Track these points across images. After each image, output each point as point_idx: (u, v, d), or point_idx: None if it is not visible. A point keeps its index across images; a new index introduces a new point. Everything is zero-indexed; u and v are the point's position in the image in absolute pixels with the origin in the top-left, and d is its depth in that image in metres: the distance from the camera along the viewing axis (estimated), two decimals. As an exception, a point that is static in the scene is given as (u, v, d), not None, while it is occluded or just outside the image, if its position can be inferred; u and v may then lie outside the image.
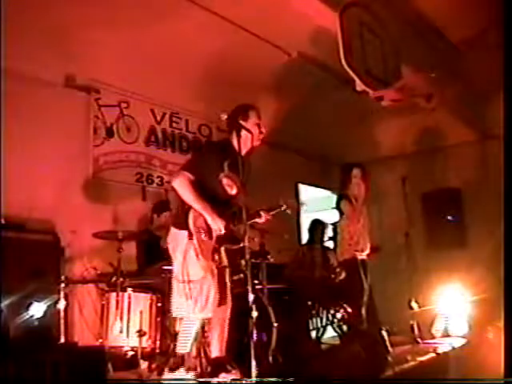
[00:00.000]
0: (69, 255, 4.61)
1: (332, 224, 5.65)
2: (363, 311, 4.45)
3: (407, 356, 4.31)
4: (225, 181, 3.32)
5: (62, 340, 3.92)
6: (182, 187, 3.22)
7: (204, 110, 6.13)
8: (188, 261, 3.17)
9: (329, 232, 6.18)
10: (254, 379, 2.98)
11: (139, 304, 4.15)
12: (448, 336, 5.56)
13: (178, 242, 3.26)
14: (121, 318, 4.06)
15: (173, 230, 3.35)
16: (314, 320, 5.39)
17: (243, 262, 3.78)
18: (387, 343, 4.43)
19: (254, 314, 3.16)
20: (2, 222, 4.13)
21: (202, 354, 3.51)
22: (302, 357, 4.42)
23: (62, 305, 3.95)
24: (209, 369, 3.34)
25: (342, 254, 4.80)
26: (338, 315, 5.32)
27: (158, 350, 4.10)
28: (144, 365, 3.94)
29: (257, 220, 3.53)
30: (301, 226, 7.67)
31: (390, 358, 4.15)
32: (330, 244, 6.13)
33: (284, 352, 4.21)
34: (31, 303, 3.91)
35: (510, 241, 3.08)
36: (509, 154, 3.18)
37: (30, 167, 4.57)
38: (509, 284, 3.00)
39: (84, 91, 5.25)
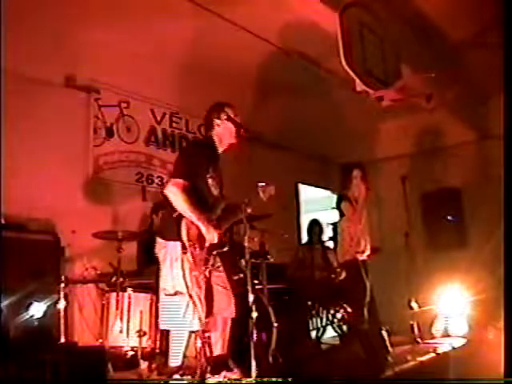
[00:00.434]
0: (69, 255, 4.61)
1: (332, 224, 5.65)
2: (365, 311, 4.45)
3: (407, 356, 4.31)
4: (210, 181, 3.28)
5: (62, 340, 3.91)
6: (176, 195, 3.08)
7: (203, 109, 6.13)
8: (180, 274, 3.06)
9: (328, 232, 6.19)
10: (254, 379, 2.99)
11: (139, 304, 4.15)
12: (448, 336, 5.56)
13: (168, 253, 3.15)
14: (121, 318, 4.06)
15: (162, 240, 3.21)
16: (314, 320, 5.39)
17: (243, 262, 3.78)
18: (387, 343, 4.43)
19: (254, 314, 3.16)
20: (2, 221, 4.14)
21: (202, 354, 3.51)
22: (301, 357, 4.41)
23: (62, 305, 3.94)
24: (209, 368, 3.32)
25: (343, 255, 4.79)
26: (338, 315, 5.32)
27: (157, 350, 4.09)
28: (144, 365, 3.93)
29: (241, 216, 3.34)
30: (301, 226, 7.67)
31: (389, 358, 4.15)
32: (330, 244, 6.13)
33: (284, 352, 4.20)
34: (31, 303, 3.91)
35: (510, 241, 3.08)
36: (509, 154, 3.18)
37: (30, 167, 4.57)
38: (509, 284, 2.99)
39: (84, 91, 5.26)
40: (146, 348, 4.03)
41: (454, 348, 4.86)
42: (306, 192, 8.18)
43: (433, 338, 5.54)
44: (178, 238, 3.07)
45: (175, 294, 3.08)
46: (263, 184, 3.37)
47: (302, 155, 7.73)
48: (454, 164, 7.47)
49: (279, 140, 7.16)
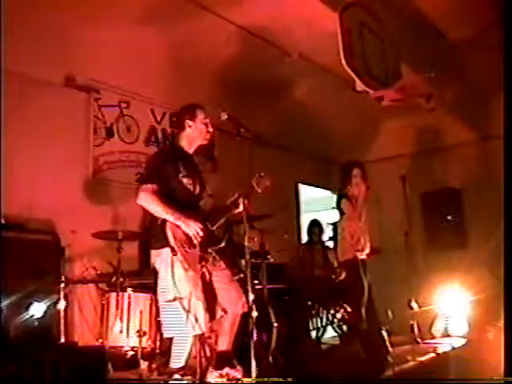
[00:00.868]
0: (69, 255, 4.60)
1: (332, 224, 5.65)
2: (363, 311, 4.45)
3: (407, 356, 4.32)
4: (185, 180, 3.31)
5: (62, 340, 3.91)
6: (147, 201, 3.14)
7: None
8: (176, 278, 3.07)
9: (328, 232, 6.19)
10: (254, 379, 2.99)
11: (139, 304, 4.15)
12: (448, 336, 5.57)
13: (162, 260, 3.16)
14: (121, 318, 4.06)
15: (154, 250, 3.22)
16: (314, 320, 5.39)
17: (243, 262, 3.78)
18: (387, 343, 4.43)
19: (254, 314, 3.16)
20: (2, 221, 4.13)
21: (202, 354, 3.51)
22: (302, 357, 4.42)
23: (62, 305, 3.94)
24: (212, 363, 3.31)
25: (343, 253, 4.79)
26: (338, 315, 5.32)
27: (157, 350, 4.09)
28: (144, 365, 3.94)
29: (235, 211, 3.39)
30: (301, 226, 7.67)
31: (389, 358, 4.15)
32: (330, 244, 6.13)
33: (284, 352, 4.21)
34: (31, 303, 3.91)
35: (510, 241, 3.09)
36: (509, 154, 3.18)
37: (30, 167, 4.57)
38: (509, 284, 3.00)
39: (84, 91, 5.25)
40: (145, 348, 4.03)
41: (453, 348, 4.87)
42: (306, 192, 8.18)
43: (433, 337, 5.55)
44: (167, 243, 3.10)
45: (174, 299, 3.07)
46: (258, 175, 3.41)
47: (302, 155, 7.73)
48: (454, 164, 7.47)
49: (279, 140, 7.16)
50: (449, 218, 7.56)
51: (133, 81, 5.47)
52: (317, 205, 8.51)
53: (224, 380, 3.19)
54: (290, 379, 3.00)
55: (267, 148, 6.92)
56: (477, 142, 7.33)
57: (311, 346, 5.22)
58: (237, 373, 3.20)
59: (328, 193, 8.07)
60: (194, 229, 3.13)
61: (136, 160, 5.67)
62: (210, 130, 3.50)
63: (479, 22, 5.49)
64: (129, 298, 4.14)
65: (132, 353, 4.01)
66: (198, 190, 3.39)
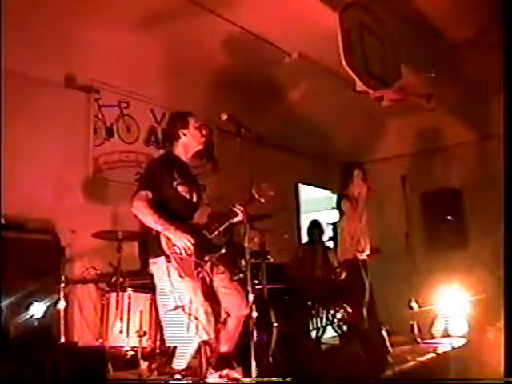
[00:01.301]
0: (69, 255, 4.61)
1: (332, 224, 5.65)
2: (364, 311, 4.45)
3: (407, 356, 4.31)
4: (180, 188, 3.30)
5: (62, 340, 3.91)
6: (140, 210, 3.12)
7: (204, 110, 6.13)
8: (174, 286, 3.08)
9: (328, 233, 6.19)
10: (254, 379, 2.99)
11: (139, 304, 4.15)
12: (448, 336, 5.57)
13: (158, 269, 3.16)
14: (121, 318, 4.06)
15: (152, 260, 3.21)
16: (314, 320, 5.39)
17: (243, 262, 3.77)
18: (387, 343, 4.43)
19: (254, 314, 3.16)
20: (2, 221, 4.13)
21: (203, 354, 3.51)
22: (302, 357, 4.42)
23: (62, 305, 3.94)
24: (212, 365, 3.31)
25: (343, 253, 4.79)
26: (338, 315, 5.32)
27: (157, 350, 4.09)
28: (144, 365, 3.94)
29: (234, 220, 3.34)
30: (301, 226, 7.67)
31: (389, 358, 4.15)
32: (330, 244, 6.13)
33: (284, 352, 4.21)
34: (31, 303, 3.91)
35: (510, 241, 3.08)
36: (509, 154, 3.18)
37: (30, 167, 4.57)
38: (509, 284, 3.00)
39: (84, 91, 5.25)
40: (145, 348, 4.02)
41: (453, 348, 4.87)
42: (306, 192, 8.18)
43: (433, 337, 5.55)
44: (162, 251, 3.09)
45: (176, 308, 3.07)
46: (262, 185, 3.30)
47: (302, 155, 7.73)
48: (454, 164, 7.47)
49: (279, 140, 7.16)
50: (449, 217, 7.55)
51: (133, 81, 5.47)
52: (317, 205, 8.51)
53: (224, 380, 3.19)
54: (289, 379, 3.00)
55: (267, 148, 6.93)
56: (477, 142, 7.32)
57: (311, 346, 5.22)
58: (236, 374, 3.20)
59: (328, 193, 8.07)
60: (182, 242, 3.10)
61: (136, 160, 5.67)
62: (204, 133, 3.49)
63: (479, 21, 5.49)
64: (129, 297, 4.14)
65: (132, 353, 4.01)
66: (194, 199, 3.38)
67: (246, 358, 3.07)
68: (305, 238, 6.86)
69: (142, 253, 4.89)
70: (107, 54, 5.05)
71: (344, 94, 5.40)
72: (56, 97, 4.91)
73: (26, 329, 3.85)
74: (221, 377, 3.18)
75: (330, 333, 5.48)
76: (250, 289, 3.20)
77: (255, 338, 3.07)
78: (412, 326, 5.24)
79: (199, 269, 3.20)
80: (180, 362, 3.17)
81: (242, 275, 4.08)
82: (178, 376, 3.12)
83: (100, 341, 4.09)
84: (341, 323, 5.32)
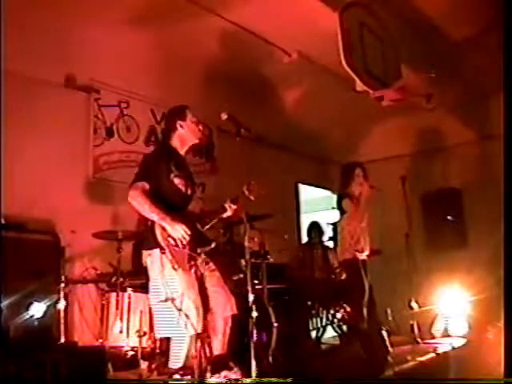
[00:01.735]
0: (69, 255, 4.61)
1: (332, 224, 5.65)
2: (364, 311, 4.45)
3: (407, 356, 4.31)
4: (176, 181, 3.31)
5: (62, 340, 3.91)
6: (136, 199, 3.12)
7: (204, 109, 6.13)
8: (167, 277, 3.07)
9: (328, 233, 6.19)
10: (254, 379, 2.99)
11: (139, 304, 4.14)
12: (448, 336, 5.56)
13: (153, 261, 3.15)
14: (121, 318, 4.06)
15: (145, 251, 3.22)
16: (314, 320, 5.39)
17: (243, 262, 3.77)
18: (387, 343, 4.43)
19: (254, 314, 3.16)
20: (2, 221, 4.13)
21: (202, 354, 3.51)
22: (302, 357, 4.42)
23: (61, 305, 3.94)
24: (209, 367, 3.31)
25: (343, 253, 4.79)
26: (338, 315, 5.32)
27: (157, 350, 4.09)
28: (144, 365, 3.93)
29: (224, 215, 3.38)
30: (301, 226, 7.67)
31: (389, 358, 4.15)
32: (330, 244, 6.13)
33: (284, 352, 4.20)
34: (31, 303, 3.91)
35: (510, 241, 3.08)
36: (509, 154, 3.18)
37: (30, 167, 4.57)
38: (509, 284, 2.99)
39: (84, 91, 5.25)
40: (145, 348, 4.02)
41: (453, 348, 4.86)
42: (306, 192, 8.18)
43: (433, 337, 5.54)
44: (156, 243, 3.09)
45: (166, 300, 3.06)
46: (251, 183, 3.30)
47: (302, 155, 7.73)
48: (453, 164, 7.47)
49: (279, 140, 7.16)
50: (449, 218, 7.55)
51: (133, 81, 5.47)
52: (317, 205, 8.51)
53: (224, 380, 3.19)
54: (289, 379, 3.00)
55: (267, 148, 6.93)
56: (477, 142, 7.32)
57: (311, 345, 5.22)
58: (234, 375, 3.20)
59: (328, 193, 8.07)
60: (179, 232, 3.09)
61: (136, 160, 5.65)
62: (201, 128, 3.52)
63: (479, 21, 5.49)
64: (129, 297, 4.14)
65: (132, 353, 4.01)
66: (189, 192, 3.40)
67: (246, 358, 3.07)
68: (305, 238, 6.86)
69: (136, 254, 4.90)
70: (107, 54, 5.05)
71: (344, 93, 5.40)
72: (56, 97, 4.91)
73: (26, 329, 3.85)
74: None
75: (330, 333, 5.48)
76: (249, 289, 3.20)
77: (255, 337, 3.07)
78: (412, 325, 5.24)
79: (192, 262, 3.21)
80: (176, 360, 3.16)
81: (241, 275, 4.08)
82: (176, 375, 3.12)
83: (100, 341, 4.09)
84: (341, 323, 5.32)
